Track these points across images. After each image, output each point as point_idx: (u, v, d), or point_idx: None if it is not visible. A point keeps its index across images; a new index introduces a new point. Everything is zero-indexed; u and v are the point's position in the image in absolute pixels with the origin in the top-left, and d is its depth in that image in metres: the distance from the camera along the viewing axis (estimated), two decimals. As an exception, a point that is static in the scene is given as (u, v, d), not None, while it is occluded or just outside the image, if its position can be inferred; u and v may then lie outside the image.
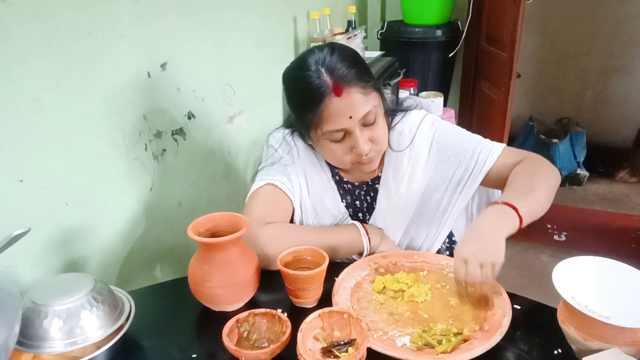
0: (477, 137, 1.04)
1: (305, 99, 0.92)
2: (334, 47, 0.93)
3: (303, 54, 0.95)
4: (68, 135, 0.94)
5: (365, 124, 0.93)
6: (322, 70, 0.89)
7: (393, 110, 1.10)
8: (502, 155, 1.00)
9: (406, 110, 1.10)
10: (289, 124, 1.13)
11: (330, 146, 0.95)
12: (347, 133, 0.93)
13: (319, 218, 1.08)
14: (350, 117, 0.90)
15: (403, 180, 1.06)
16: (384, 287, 0.87)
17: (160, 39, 1.17)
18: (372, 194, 1.10)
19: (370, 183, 1.10)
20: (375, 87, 0.94)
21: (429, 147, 1.05)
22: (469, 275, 0.77)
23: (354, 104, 0.89)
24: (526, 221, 0.84)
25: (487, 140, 1.04)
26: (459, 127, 1.07)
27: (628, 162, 3.27)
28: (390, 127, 1.07)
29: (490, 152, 1.00)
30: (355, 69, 0.90)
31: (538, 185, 0.90)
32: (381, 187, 1.08)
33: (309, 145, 1.05)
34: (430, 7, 2.48)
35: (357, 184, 1.10)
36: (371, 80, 0.93)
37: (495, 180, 1.00)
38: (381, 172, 1.09)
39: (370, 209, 1.10)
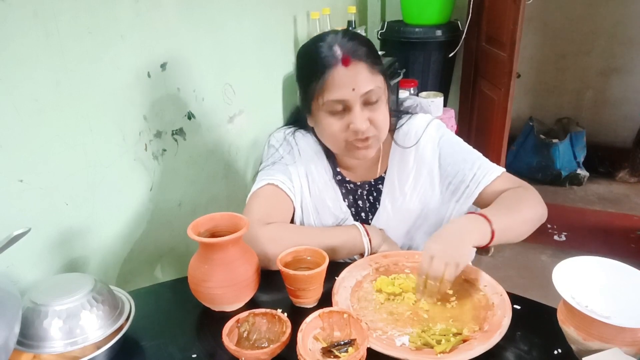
0: (479, 154, 1.05)
1: (313, 67, 0.94)
2: (349, 31, 0.97)
3: (321, 33, 0.99)
4: (68, 135, 0.94)
5: (367, 102, 0.93)
6: (335, 43, 0.92)
7: (399, 112, 1.10)
8: (500, 178, 1.00)
9: (412, 113, 1.11)
10: (292, 121, 1.14)
11: (328, 120, 0.95)
12: (346, 107, 0.93)
13: (320, 218, 1.08)
14: (353, 90, 0.91)
15: (408, 179, 1.06)
16: (384, 287, 0.87)
17: (160, 39, 1.17)
18: (374, 194, 1.10)
19: (373, 183, 1.10)
20: (383, 72, 0.96)
21: (433, 149, 1.05)
22: (432, 270, 0.79)
23: (359, 78, 0.91)
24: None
25: (488, 160, 1.04)
26: (462, 140, 1.08)
27: (628, 162, 3.26)
28: (395, 127, 1.08)
29: (489, 171, 1.00)
30: (366, 48, 0.93)
31: (521, 210, 0.92)
32: (385, 187, 1.08)
33: (311, 129, 1.05)
34: (430, 7, 2.48)
35: (359, 183, 1.10)
36: (379, 64, 0.95)
37: (487, 202, 0.99)
38: (384, 172, 1.09)
39: (373, 209, 1.10)
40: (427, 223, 1.08)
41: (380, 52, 2.36)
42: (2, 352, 0.60)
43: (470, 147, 1.06)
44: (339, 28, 1.98)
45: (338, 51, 0.91)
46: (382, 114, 0.95)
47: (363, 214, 1.10)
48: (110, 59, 1.02)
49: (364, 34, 2.09)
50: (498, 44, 2.36)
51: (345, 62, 0.90)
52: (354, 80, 0.91)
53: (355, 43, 0.93)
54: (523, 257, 2.50)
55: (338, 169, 1.10)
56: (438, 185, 1.06)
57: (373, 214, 1.10)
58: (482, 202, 1.00)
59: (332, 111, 0.94)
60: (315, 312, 0.73)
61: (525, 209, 0.92)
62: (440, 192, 1.06)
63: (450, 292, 0.86)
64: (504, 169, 1.02)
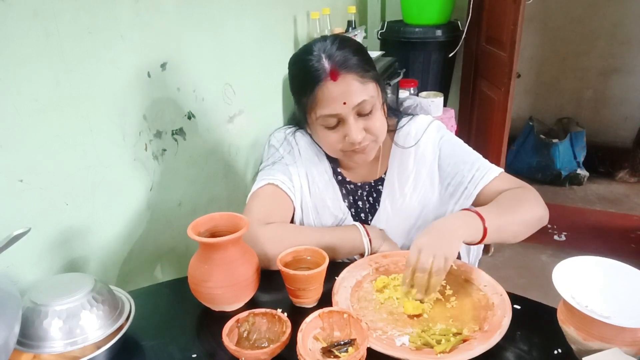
0: (478, 155, 1.05)
1: (303, 82, 0.93)
2: (338, 37, 0.95)
3: (311, 41, 0.97)
4: (68, 135, 0.94)
5: (361, 113, 0.93)
6: (323, 55, 0.91)
7: (400, 112, 1.10)
8: (498, 179, 0.99)
9: (413, 114, 1.11)
10: (293, 121, 1.14)
11: (324, 132, 0.96)
12: (340, 120, 0.93)
13: (320, 218, 1.08)
14: (345, 103, 0.90)
15: (408, 180, 1.06)
16: (384, 287, 0.87)
17: (160, 39, 1.17)
18: (374, 195, 1.10)
19: (373, 184, 1.10)
20: (375, 78, 0.95)
21: (433, 150, 1.06)
22: (420, 262, 0.79)
23: (350, 91, 0.90)
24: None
25: (487, 161, 1.04)
26: (462, 141, 1.08)
27: (628, 162, 3.27)
28: (396, 128, 1.08)
29: (488, 172, 1.00)
30: (356, 57, 0.92)
31: (517, 210, 0.91)
32: (385, 188, 1.08)
33: (309, 134, 1.05)
34: (430, 7, 2.48)
35: (359, 184, 1.10)
36: (371, 70, 0.94)
37: (486, 203, 0.98)
38: (384, 173, 1.09)
39: (373, 209, 1.10)
40: (427, 224, 1.08)
41: (380, 52, 2.37)
42: (2, 352, 0.60)
43: (470, 149, 1.06)
44: (337, 29, 1.99)
45: (326, 64, 0.90)
46: (377, 120, 0.95)
47: (363, 215, 1.10)
48: (110, 59, 1.02)
49: (364, 34, 2.09)
50: (498, 44, 2.36)
51: (334, 76, 0.89)
52: (345, 94, 0.90)
53: (343, 52, 0.91)
54: (523, 257, 2.50)
55: (338, 170, 1.10)
56: (437, 186, 1.06)
57: (373, 215, 1.10)
58: (481, 203, 1.00)
59: (327, 125, 0.94)
60: (315, 312, 0.73)
61: (522, 210, 0.91)
62: (439, 193, 1.06)
63: (450, 292, 0.86)
64: (503, 170, 1.02)
